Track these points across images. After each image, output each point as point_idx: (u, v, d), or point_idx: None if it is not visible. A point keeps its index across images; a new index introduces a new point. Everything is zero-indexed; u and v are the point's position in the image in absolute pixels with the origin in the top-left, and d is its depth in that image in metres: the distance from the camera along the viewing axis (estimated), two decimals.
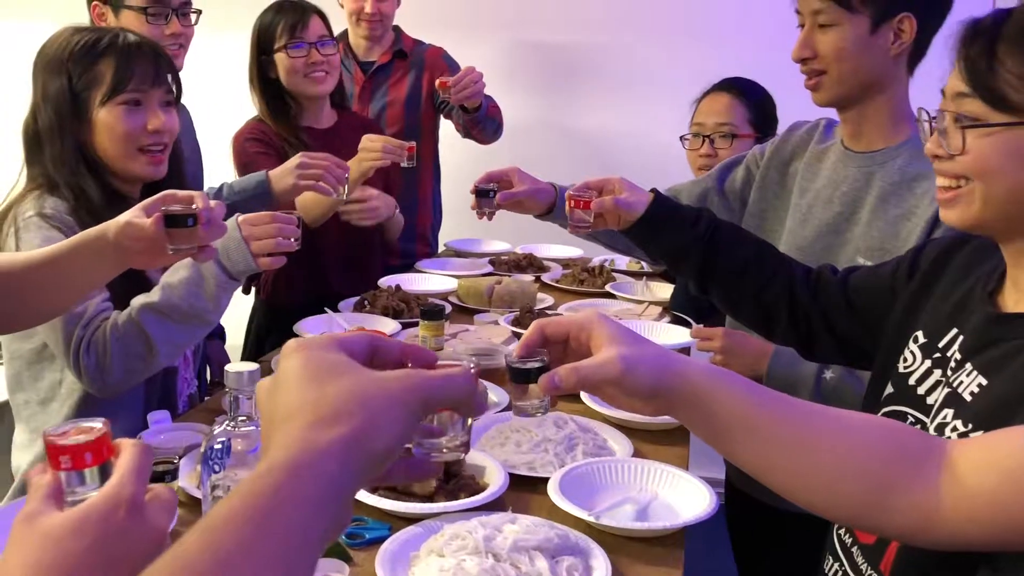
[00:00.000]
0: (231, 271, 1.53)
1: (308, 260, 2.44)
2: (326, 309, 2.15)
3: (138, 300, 1.52)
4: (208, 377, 2.42)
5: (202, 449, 1.04)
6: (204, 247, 1.29)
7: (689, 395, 0.81)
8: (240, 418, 1.04)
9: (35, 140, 1.61)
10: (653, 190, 1.54)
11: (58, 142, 1.57)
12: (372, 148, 2.20)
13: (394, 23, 2.95)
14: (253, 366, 1.03)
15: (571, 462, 1.39)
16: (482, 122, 2.75)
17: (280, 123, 2.42)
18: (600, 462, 1.37)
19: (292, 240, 1.56)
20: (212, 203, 1.29)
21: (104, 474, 0.63)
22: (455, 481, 1.29)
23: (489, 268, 2.71)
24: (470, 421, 0.68)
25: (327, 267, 2.49)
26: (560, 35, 3.51)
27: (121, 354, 1.49)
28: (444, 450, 0.67)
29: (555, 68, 3.54)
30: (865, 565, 1.08)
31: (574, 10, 3.47)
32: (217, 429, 1.05)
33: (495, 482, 1.30)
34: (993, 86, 0.95)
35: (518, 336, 2.03)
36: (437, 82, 2.51)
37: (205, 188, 2.18)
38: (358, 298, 2.28)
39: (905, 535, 0.85)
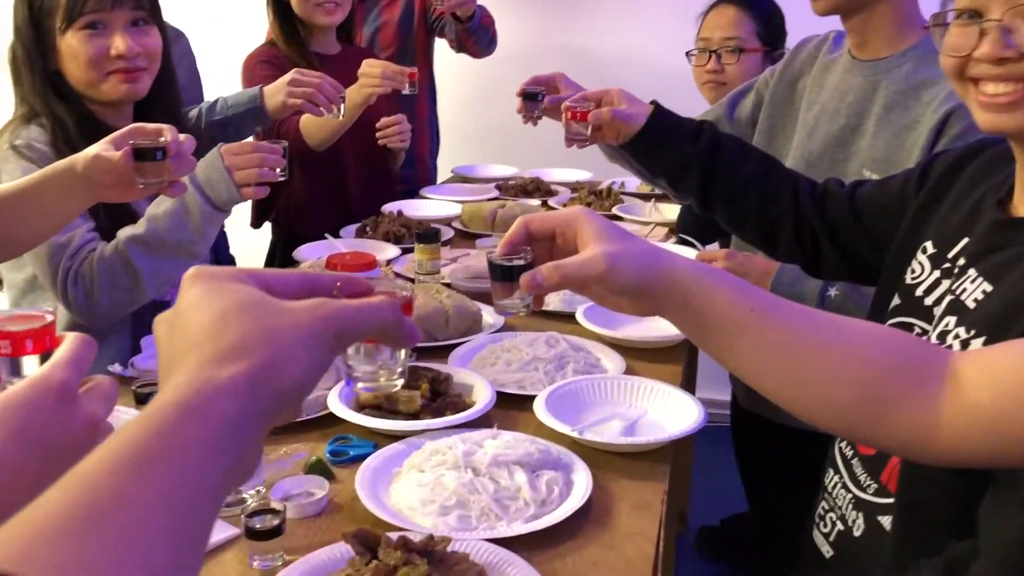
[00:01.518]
0: (215, 201, 1.50)
1: (328, 190, 2.43)
2: (326, 235, 2.13)
3: (124, 232, 1.51)
4: None
5: None
6: (174, 182, 1.26)
7: (676, 294, 0.77)
8: None
9: (15, 70, 1.58)
10: (653, 102, 1.48)
11: (28, 72, 1.55)
12: (372, 74, 2.15)
13: None
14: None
15: (561, 380, 1.38)
16: (476, 32, 2.68)
17: (291, 46, 2.40)
18: (590, 379, 1.35)
19: (276, 171, 1.53)
20: (181, 137, 1.26)
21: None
22: (441, 399, 1.29)
23: (495, 193, 2.67)
24: (403, 353, 0.64)
25: (348, 196, 2.47)
26: None
27: (108, 286, 1.49)
28: (376, 381, 0.64)
29: None
30: (865, 476, 1.06)
31: None
32: None
33: (481, 400, 1.29)
34: None
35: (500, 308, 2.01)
36: None
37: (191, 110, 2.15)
38: (360, 224, 2.26)
39: (903, 449, 0.82)
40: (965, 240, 1.02)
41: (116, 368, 1.43)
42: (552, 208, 2.57)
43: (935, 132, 1.44)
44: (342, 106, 1.90)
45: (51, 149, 1.52)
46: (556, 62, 3.28)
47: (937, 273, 1.04)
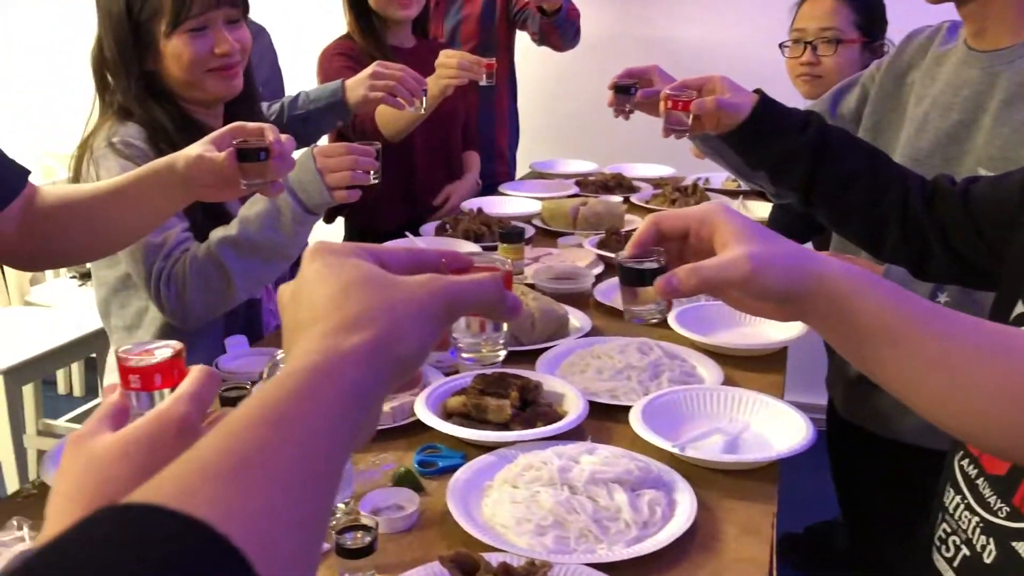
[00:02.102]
0: (307, 204, 1.48)
1: (400, 182, 2.40)
2: (407, 233, 2.10)
3: (216, 233, 1.50)
4: None
5: (264, 375, 1.01)
6: (274, 181, 1.24)
7: (827, 300, 0.71)
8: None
9: (102, 71, 1.58)
10: (758, 91, 1.40)
11: (123, 74, 1.54)
12: (448, 65, 2.11)
13: None
14: None
15: (656, 390, 1.31)
16: (562, 26, 2.62)
17: (367, 40, 2.38)
18: (687, 390, 1.28)
19: (370, 173, 1.50)
20: (283, 137, 1.24)
21: None
22: (532, 409, 1.23)
23: (575, 190, 2.61)
24: (504, 326, 0.67)
25: (418, 189, 2.45)
26: None
27: (200, 288, 1.48)
28: (479, 352, 0.67)
29: None
30: (995, 498, 0.98)
31: None
32: (279, 354, 1.01)
33: (574, 410, 1.24)
34: None
35: (603, 259, 1.95)
36: None
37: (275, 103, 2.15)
38: (439, 222, 2.22)
39: None
40: None
41: None
42: (635, 205, 2.50)
43: None
44: (424, 99, 1.86)
45: (150, 146, 1.51)
46: (636, 54, 3.22)
47: None
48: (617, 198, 2.53)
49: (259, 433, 0.42)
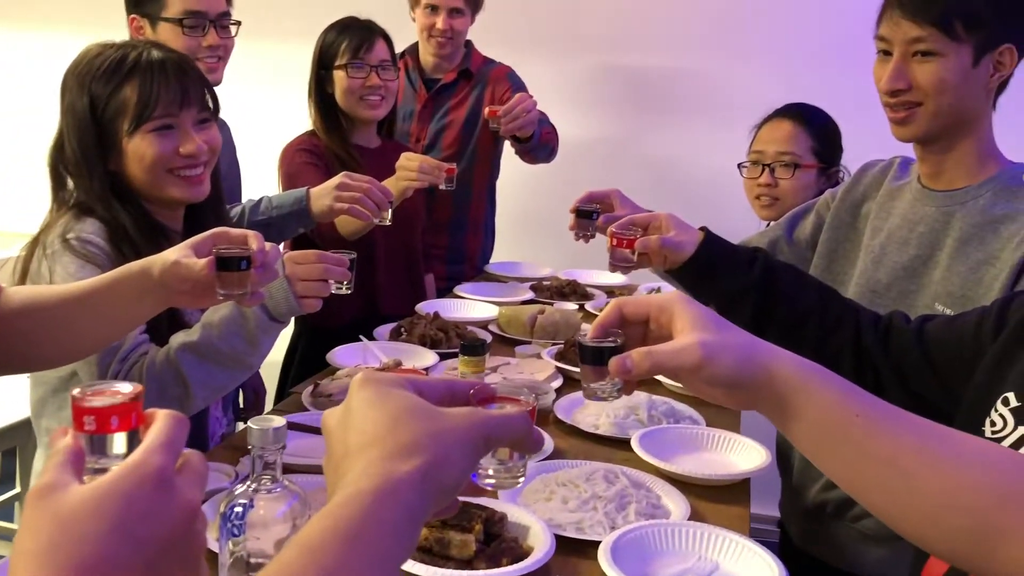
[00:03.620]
0: (273, 312, 1.43)
1: (357, 283, 2.36)
2: (361, 337, 2.05)
3: (177, 338, 1.43)
4: (241, 402, 2.33)
5: (221, 509, 0.94)
6: (253, 292, 1.20)
7: (775, 391, 0.73)
8: (263, 478, 0.94)
9: (59, 168, 1.52)
10: (703, 229, 1.42)
11: (85, 174, 1.48)
12: (409, 167, 2.11)
13: (467, 39, 2.87)
14: (279, 421, 0.93)
15: (623, 523, 1.27)
16: (534, 150, 2.65)
17: (332, 138, 2.37)
18: (656, 525, 1.25)
19: (343, 285, 1.47)
20: (267, 246, 1.20)
21: (131, 444, 0.57)
22: (496, 544, 1.18)
23: (531, 294, 2.60)
24: (527, 457, 0.72)
25: (376, 291, 2.41)
26: (636, 56, 3.40)
27: (156, 394, 1.40)
28: (500, 478, 0.70)
29: (629, 89, 3.43)
30: None
31: (661, 32, 3.36)
32: (239, 488, 0.95)
33: (540, 546, 1.19)
34: None
35: (562, 372, 1.92)
36: (487, 110, 2.41)
37: (243, 201, 2.11)
38: (394, 325, 2.18)
39: None
40: None
41: None
42: (590, 312, 2.50)
43: (1017, 270, 1.37)
44: (390, 211, 1.84)
45: (110, 246, 1.45)
46: (619, 162, 3.30)
47: (1022, 429, 0.95)
48: (572, 305, 2.52)
49: (338, 548, 0.48)
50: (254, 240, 1.19)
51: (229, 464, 1.41)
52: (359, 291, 2.36)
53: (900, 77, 1.44)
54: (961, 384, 1.10)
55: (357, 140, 2.41)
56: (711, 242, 1.39)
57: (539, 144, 2.62)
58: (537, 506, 1.32)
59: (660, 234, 1.39)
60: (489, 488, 0.70)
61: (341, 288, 1.47)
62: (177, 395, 1.41)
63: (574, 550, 1.23)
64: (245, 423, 2.52)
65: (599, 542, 1.20)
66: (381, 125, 2.49)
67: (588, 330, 0.82)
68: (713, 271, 1.36)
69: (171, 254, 1.16)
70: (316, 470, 1.38)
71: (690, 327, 0.75)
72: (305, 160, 2.30)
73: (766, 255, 1.40)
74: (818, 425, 0.72)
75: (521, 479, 0.71)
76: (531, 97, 2.43)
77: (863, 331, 1.27)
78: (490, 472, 0.69)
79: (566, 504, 1.31)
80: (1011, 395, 0.99)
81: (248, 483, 0.93)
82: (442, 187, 2.18)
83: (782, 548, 1.81)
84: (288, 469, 1.37)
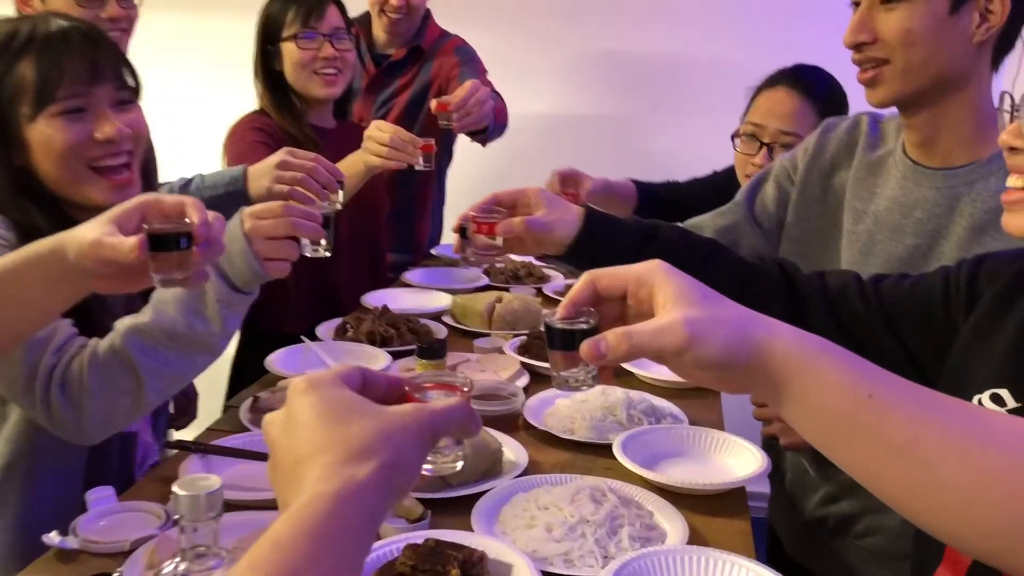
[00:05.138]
0: (234, 280, 1.22)
1: (318, 279, 2.12)
2: (303, 338, 1.85)
3: (124, 322, 1.22)
4: (171, 407, 2.11)
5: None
6: (198, 270, 1.00)
7: (774, 373, 0.64)
8: (197, 548, 0.76)
9: None
10: (585, 205, 1.23)
11: None
12: (379, 139, 1.87)
13: (427, 7, 2.62)
14: (211, 484, 0.75)
15: (616, 551, 1.13)
16: (489, 136, 2.44)
17: (285, 118, 2.10)
18: (654, 554, 1.10)
19: (319, 246, 1.24)
20: (210, 215, 1.00)
21: None
22: None
23: (484, 280, 2.42)
24: (466, 441, 0.72)
25: (338, 290, 2.19)
26: (596, 26, 3.23)
27: (101, 390, 1.19)
28: (437, 465, 0.69)
29: (588, 61, 3.26)
30: None
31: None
32: (167, 568, 0.77)
33: None
34: None
35: (528, 368, 1.76)
36: (434, 104, 2.09)
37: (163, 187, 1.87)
38: (339, 321, 1.98)
39: None
40: None
41: (53, 539, 1.12)
42: (550, 297, 2.33)
43: None
44: (340, 194, 1.62)
45: (17, 238, 1.23)
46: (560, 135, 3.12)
47: None
48: (530, 289, 2.36)
49: (307, 548, 0.48)
50: (194, 210, 0.99)
51: (159, 503, 1.22)
52: (317, 291, 2.14)
53: (863, 28, 1.27)
54: (928, 355, 1.03)
55: (312, 120, 2.16)
56: (593, 220, 1.19)
57: (495, 128, 2.41)
58: (517, 535, 1.16)
59: (526, 215, 1.18)
60: (428, 473, 0.68)
61: (318, 250, 1.25)
62: (128, 388, 1.20)
63: None
64: (176, 431, 2.31)
65: None
66: (336, 106, 2.24)
67: (558, 310, 0.72)
68: (595, 255, 1.14)
69: (88, 231, 0.95)
70: (259, 505, 1.20)
71: (673, 302, 0.66)
72: (257, 139, 2.03)
73: (670, 229, 1.21)
74: (824, 410, 0.63)
75: (459, 464, 0.69)
76: (483, 85, 2.13)
77: (808, 305, 1.12)
78: (428, 458, 0.66)
79: (551, 532, 1.15)
80: (1004, 393, 0.88)
81: (176, 561, 0.75)
82: (418, 167, 1.95)
83: (771, 553, 1.68)
84: (230, 506, 1.19)
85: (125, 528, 1.17)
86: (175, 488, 0.75)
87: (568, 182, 2.09)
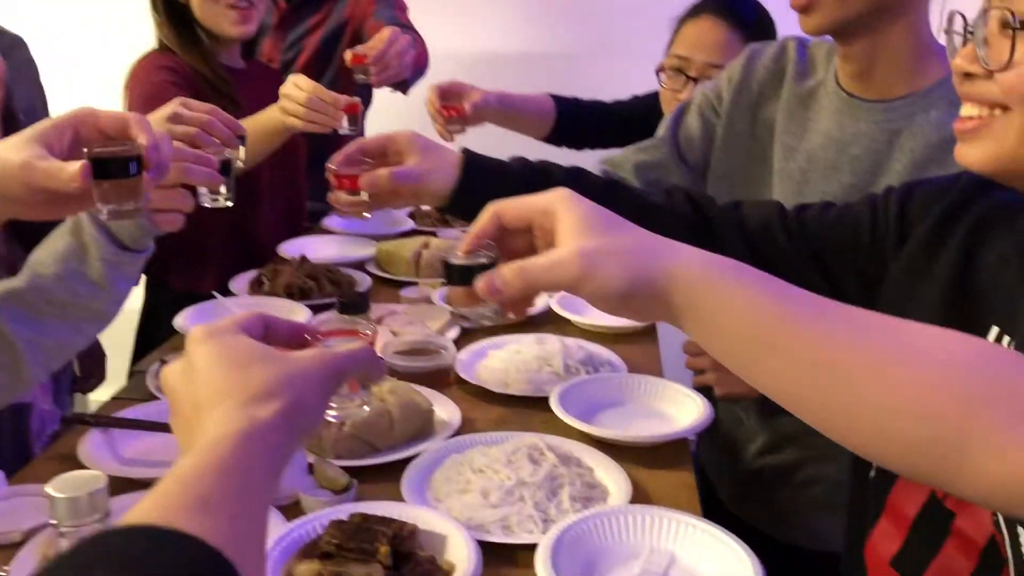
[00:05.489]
0: (119, 236, 1.08)
1: (236, 233, 1.99)
2: (214, 294, 1.72)
3: None
4: (77, 370, 1.97)
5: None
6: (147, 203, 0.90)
7: (680, 299, 0.62)
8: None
9: None
10: (464, 150, 1.12)
11: None
12: (296, 99, 1.70)
13: None
14: (95, 482, 0.65)
15: (557, 513, 1.06)
16: (413, 82, 2.27)
17: (194, 56, 1.90)
18: (597, 516, 1.04)
19: (219, 195, 1.11)
20: (156, 133, 0.87)
21: None
22: (409, 566, 0.94)
23: (410, 224, 2.31)
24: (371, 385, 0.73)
25: (257, 243, 2.05)
26: None
27: None
28: (346, 410, 0.70)
29: None
30: None
31: None
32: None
33: (463, 560, 0.96)
34: None
35: (460, 319, 1.67)
36: (349, 55, 1.86)
37: None
38: (254, 274, 1.86)
39: (989, 504, 0.67)
40: (995, 330, 0.82)
41: None
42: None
43: None
44: (241, 149, 1.46)
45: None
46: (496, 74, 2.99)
47: None
48: (458, 232, 2.26)
49: (215, 482, 0.48)
50: (139, 129, 0.86)
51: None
52: (235, 245, 1.99)
53: None
54: (856, 289, 1.01)
55: (221, 59, 1.97)
56: (473, 167, 1.08)
57: (416, 77, 2.24)
58: (452, 502, 1.09)
59: (394, 166, 1.06)
60: (335, 420, 0.67)
61: (217, 199, 1.11)
62: (4, 363, 1.06)
63: (504, 558, 1.01)
64: (85, 395, 2.16)
65: (532, 544, 0.99)
66: (244, 44, 2.04)
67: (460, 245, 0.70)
68: (478, 206, 1.06)
69: (14, 153, 0.82)
70: None
71: (571, 232, 0.64)
72: (165, 79, 1.82)
73: (562, 172, 1.11)
74: (734, 334, 0.61)
75: (366, 408, 0.71)
76: (402, 33, 1.91)
77: (722, 242, 1.07)
78: (333, 405, 0.67)
79: (487, 498, 1.08)
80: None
81: None
82: (341, 131, 1.74)
83: (707, 507, 1.63)
84: (134, 485, 1.09)
85: (15, 516, 1.05)
86: (48, 489, 0.65)
87: (450, 96, 1.88)
